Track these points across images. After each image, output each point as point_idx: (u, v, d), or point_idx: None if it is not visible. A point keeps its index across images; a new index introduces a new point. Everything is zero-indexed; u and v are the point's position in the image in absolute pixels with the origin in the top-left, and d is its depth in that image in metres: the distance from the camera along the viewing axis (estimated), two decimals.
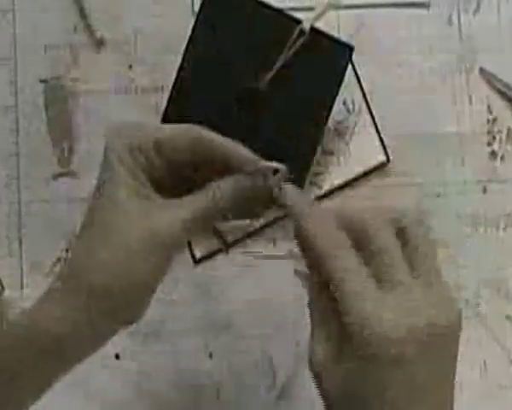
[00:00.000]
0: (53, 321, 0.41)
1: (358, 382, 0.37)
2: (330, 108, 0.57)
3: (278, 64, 0.55)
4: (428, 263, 0.39)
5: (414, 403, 0.37)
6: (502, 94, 0.61)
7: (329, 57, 0.56)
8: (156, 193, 0.43)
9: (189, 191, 0.43)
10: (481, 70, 0.62)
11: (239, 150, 0.43)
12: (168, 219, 0.42)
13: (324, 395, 0.39)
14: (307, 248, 0.40)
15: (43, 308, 0.42)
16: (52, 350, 0.41)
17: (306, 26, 0.55)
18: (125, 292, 0.41)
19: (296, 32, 0.55)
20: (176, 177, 0.44)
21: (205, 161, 0.43)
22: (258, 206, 0.45)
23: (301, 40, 0.55)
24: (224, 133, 0.53)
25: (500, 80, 0.61)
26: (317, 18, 0.56)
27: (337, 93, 0.57)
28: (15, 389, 0.42)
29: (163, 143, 0.43)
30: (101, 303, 0.41)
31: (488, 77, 0.61)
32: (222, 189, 0.43)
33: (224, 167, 0.43)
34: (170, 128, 0.44)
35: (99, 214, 0.42)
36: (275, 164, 0.43)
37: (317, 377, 0.39)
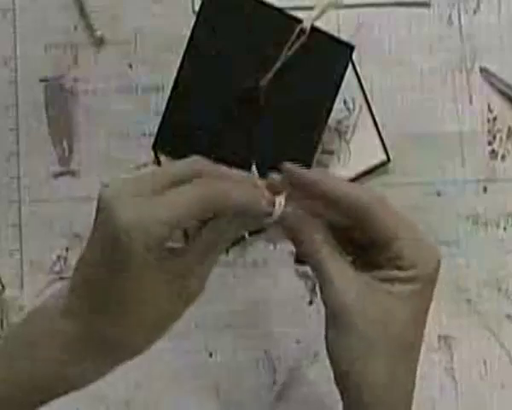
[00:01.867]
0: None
1: None
2: (330, 107, 0.57)
3: (278, 64, 0.55)
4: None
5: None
6: (502, 93, 0.61)
7: (330, 57, 0.56)
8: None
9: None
10: (482, 69, 0.61)
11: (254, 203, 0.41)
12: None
13: None
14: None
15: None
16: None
17: (307, 25, 0.55)
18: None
19: (296, 31, 0.55)
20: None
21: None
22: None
23: (301, 40, 0.55)
24: (224, 133, 0.54)
25: (500, 80, 0.61)
26: (318, 17, 0.56)
27: (337, 92, 0.57)
28: None
29: (175, 227, 0.40)
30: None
31: (488, 76, 0.61)
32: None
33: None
34: (182, 212, 0.40)
35: (118, 289, 0.40)
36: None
37: None
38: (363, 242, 0.42)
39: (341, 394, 0.42)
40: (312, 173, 0.42)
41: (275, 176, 0.42)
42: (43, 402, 0.43)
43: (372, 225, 0.40)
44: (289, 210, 0.42)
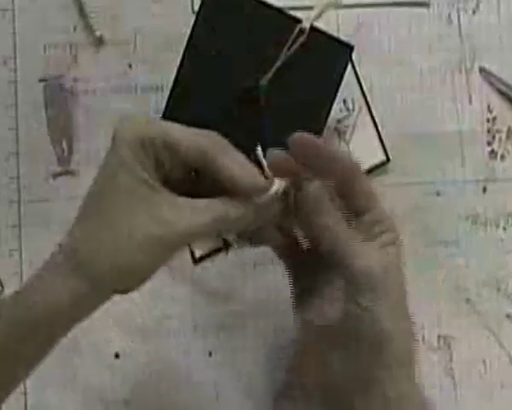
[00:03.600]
0: (50, 296, 0.41)
1: None
2: (330, 107, 0.57)
3: (278, 63, 0.55)
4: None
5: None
6: (502, 93, 0.61)
7: (329, 56, 0.56)
8: (164, 189, 0.42)
9: (193, 191, 0.43)
10: (481, 69, 0.61)
11: (246, 178, 0.43)
12: (183, 221, 0.41)
13: None
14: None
15: (42, 284, 0.42)
16: (47, 322, 0.42)
17: (306, 25, 0.55)
18: (128, 278, 0.42)
19: (296, 31, 0.55)
20: (182, 176, 0.44)
21: (211, 174, 0.43)
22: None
23: (301, 39, 0.55)
24: (224, 133, 0.54)
25: (500, 79, 0.61)
26: (317, 17, 0.56)
27: (337, 92, 0.57)
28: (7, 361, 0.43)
29: (174, 143, 0.42)
30: (102, 286, 0.42)
31: (488, 76, 0.61)
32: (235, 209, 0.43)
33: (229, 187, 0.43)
34: (184, 132, 0.43)
35: (105, 200, 0.42)
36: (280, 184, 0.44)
37: None
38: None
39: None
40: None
41: (275, 152, 0.46)
42: None
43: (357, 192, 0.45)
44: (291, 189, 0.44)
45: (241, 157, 0.44)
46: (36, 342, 0.43)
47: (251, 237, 0.47)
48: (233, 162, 0.43)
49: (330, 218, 0.44)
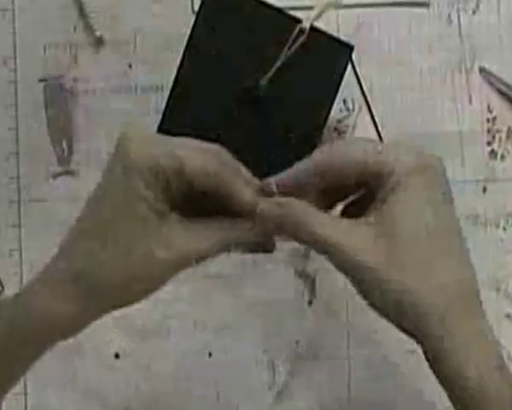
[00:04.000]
0: (50, 303, 0.42)
1: None
2: (330, 107, 0.57)
3: (278, 63, 0.55)
4: None
5: None
6: (502, 93, 0.61)
7: (329, 56, 0.56)
8: (171, 212, 0.43)
9: (199, 209, 0.44)
10: (481, 69, 0.61)
11: (251, 203, 0.43)
12: (192, 245, 0.43)
13: None
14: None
15: (42, 289, 0.42)
16: (42, 332, 0.42)
17: (306, 25, 0.55)
18: (131, 297, 0.43)
19: (296, 31, 0.55)
20: (187, 196, 0.44)
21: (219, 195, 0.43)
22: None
23: (301, 39, 0.55)
24: (224, 133, 0.54)
25: (500, 79, 0.61)
26: (317, 17, 0.56)
27: (337, 92, 0.57)
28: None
29: (183, 169, 0.42)
30: (102, 302, 0.43)
31: (488, 76, 0.61)
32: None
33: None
34: (191, 154, 0.42)
35: (113, 224, 0.42)
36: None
37: None
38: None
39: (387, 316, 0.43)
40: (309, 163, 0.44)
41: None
42: None
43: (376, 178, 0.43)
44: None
45: (246, 174, 0.44)
46: (35, 345, 0.43)
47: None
48: (240, 183, 0.43)
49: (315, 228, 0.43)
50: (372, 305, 0.43)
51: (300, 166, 0.44)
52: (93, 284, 0.42)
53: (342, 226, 0.43)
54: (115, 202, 0.42)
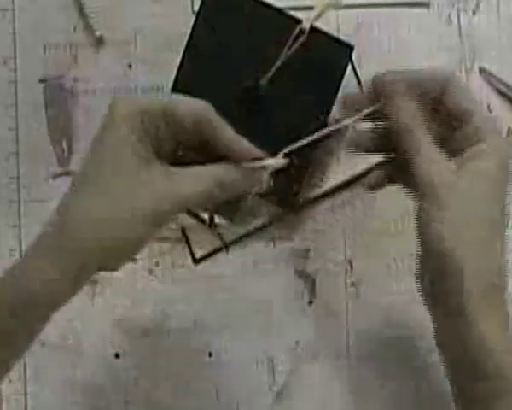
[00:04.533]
0: (42, 274, 0.42)
1: None
2: (330, 107, 0.57)
3: (278, 63, 0.55)
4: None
5: None
6: (502, 93, 0.61)
7: (329, 57, 0.56)
8: (157, 160, 0.44)
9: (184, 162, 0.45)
10: (481, 70, 0.61)
11: (240, 144, 0.45)
12: (171, 193, 0.43)
13: None
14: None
15: (32, 262, 0.43)
16: (37, 301, 0.42)
17: (306, 25, 0.55)
18: (117, 251, 0.43)
19: (296, 31, 0.55)
20: (178, 149, 0.45)
21: (207, 142, 0.45)
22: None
23: (301, 39, 0.55)
24: None
25: (500, 80, 0.61)
26: (317, 17, 0.56)
27: (337, 92, 0.57)
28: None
29: (171, 113, 0.43)
30: (92, 258, 0.43)
31: (488, 76, 0.61)
32: (225, 175, 0.45)
33: (225, 154, 0.45)
34: (179, 101, 0.45)
35: (99, 170, 0.43)
36: (272, 161, 0.47)
37: None
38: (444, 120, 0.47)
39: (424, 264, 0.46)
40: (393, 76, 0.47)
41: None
42: None
43: (456, 93, 0.46)
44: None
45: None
46: (24, 322, 0.43)
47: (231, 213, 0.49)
48: (227, 126, 0.45)
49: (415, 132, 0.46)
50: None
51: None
52: (81, 242, 0.42)
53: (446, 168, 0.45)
54: (101, 155, 0.43)
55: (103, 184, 0.43)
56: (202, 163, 0.45)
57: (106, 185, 0.43)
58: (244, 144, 0.45)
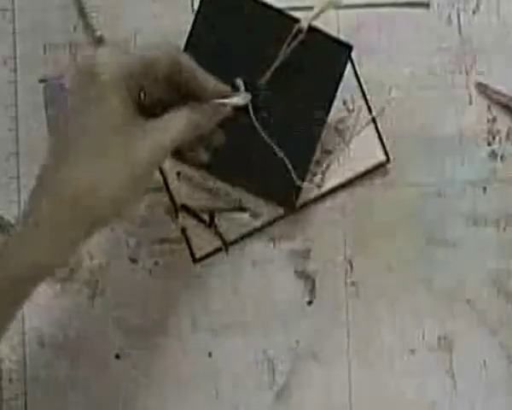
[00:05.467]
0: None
1: None
2: (329, 107, 0.57)
3: (277, 63, 0.55)
4: None
5: None
6: (500, 105, 0.61)
7: (328, 56, 0.56)
8: (139, 115, 0.45)
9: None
10: (477, 84, 0.61)
11: (212, 81, 0.48)
12: (149, 147, 0.44)
13: None
14: None
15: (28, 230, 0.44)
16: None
17: (305, 24, 0.55)
18: (108, 208, 0.45)
19: (294, 30, 0.55)
20: (159, 100, 0.47)
21: (181, 86, 0.47)
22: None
23: (299, 39, 0.55)
24: (223, 132, 0.54)
25: (498, 92, 0.61)
26: (316, 17, 0.56)
27: (336, 92, 0.57)
28: None
29: (150, 66, 0.45)
30: (85, 218, 0.44)
31: (484, 89, 0.61)
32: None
33: (198, 93, 0.48)
34: (154, 48, 0.46)
35: (87, 132, 0.44)
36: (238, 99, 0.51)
37: None
38: None
39: None
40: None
41: None
42: None
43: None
44: None
45: None
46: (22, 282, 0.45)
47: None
48: (198, 66, 0.48)
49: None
50: None
51: None
52: (73, 196, 0.43)
53: None
54: (83, 117, 0.45)
55: (86, 147, 0.44)
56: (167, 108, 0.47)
57: (88, 148, 0.44)
58: (214, 81, 0.48)
